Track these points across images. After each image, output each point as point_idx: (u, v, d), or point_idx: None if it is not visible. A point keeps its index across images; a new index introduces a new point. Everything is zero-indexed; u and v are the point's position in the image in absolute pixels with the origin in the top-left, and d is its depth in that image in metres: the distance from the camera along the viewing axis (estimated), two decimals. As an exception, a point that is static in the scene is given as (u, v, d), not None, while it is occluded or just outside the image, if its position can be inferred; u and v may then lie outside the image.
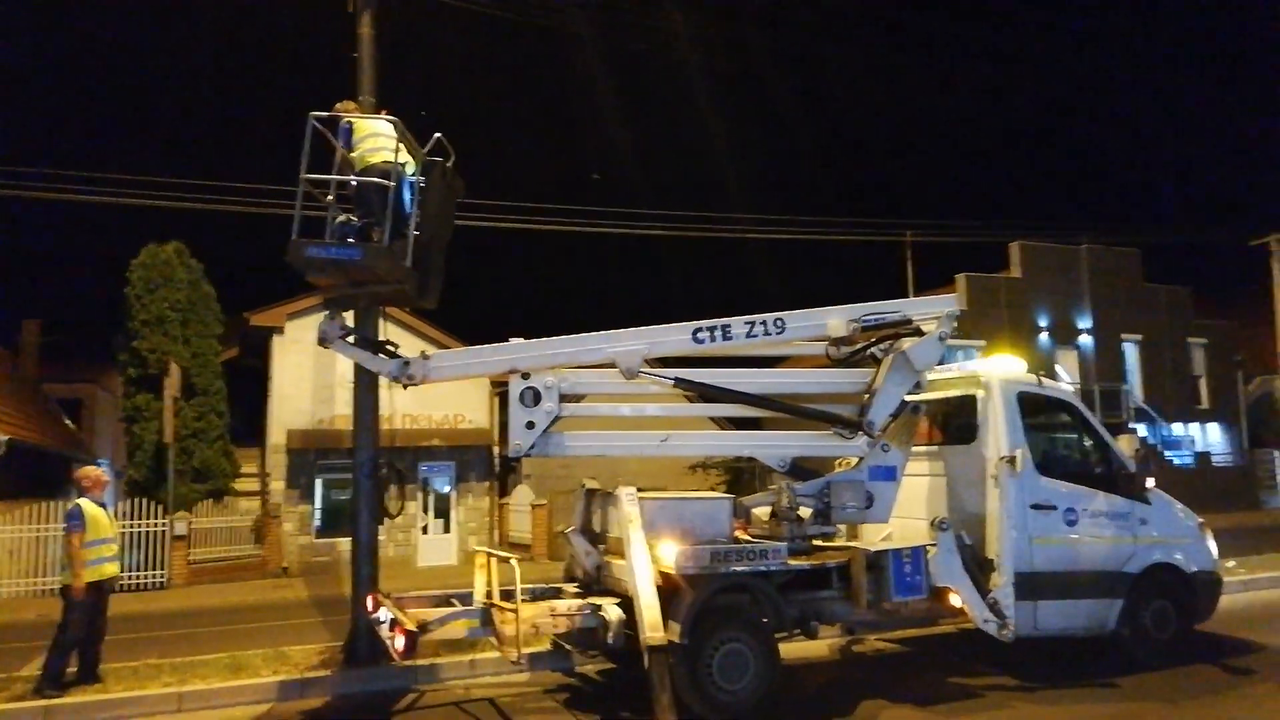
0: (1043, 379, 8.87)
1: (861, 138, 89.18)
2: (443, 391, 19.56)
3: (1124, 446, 8.85)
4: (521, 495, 22.59)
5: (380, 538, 9.76)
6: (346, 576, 16.08)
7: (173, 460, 18.26)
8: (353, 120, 8.38)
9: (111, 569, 8.82)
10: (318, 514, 21.13)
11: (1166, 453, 30.63)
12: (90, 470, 9.11)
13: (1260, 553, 14.43)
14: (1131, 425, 29.52)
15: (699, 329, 8.07)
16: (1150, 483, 8.61)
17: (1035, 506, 8.11)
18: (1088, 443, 8.90)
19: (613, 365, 7.88)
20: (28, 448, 19.39)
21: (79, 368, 29.77)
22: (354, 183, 8.17)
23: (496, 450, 22.86)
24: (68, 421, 28.10)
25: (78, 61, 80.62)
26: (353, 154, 8.20)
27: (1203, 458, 31.77)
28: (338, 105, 8.68)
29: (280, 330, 21.12)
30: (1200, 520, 9.02)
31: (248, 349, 22.63)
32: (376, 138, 8.24)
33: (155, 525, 17.48)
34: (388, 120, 8.25)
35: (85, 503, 8.67)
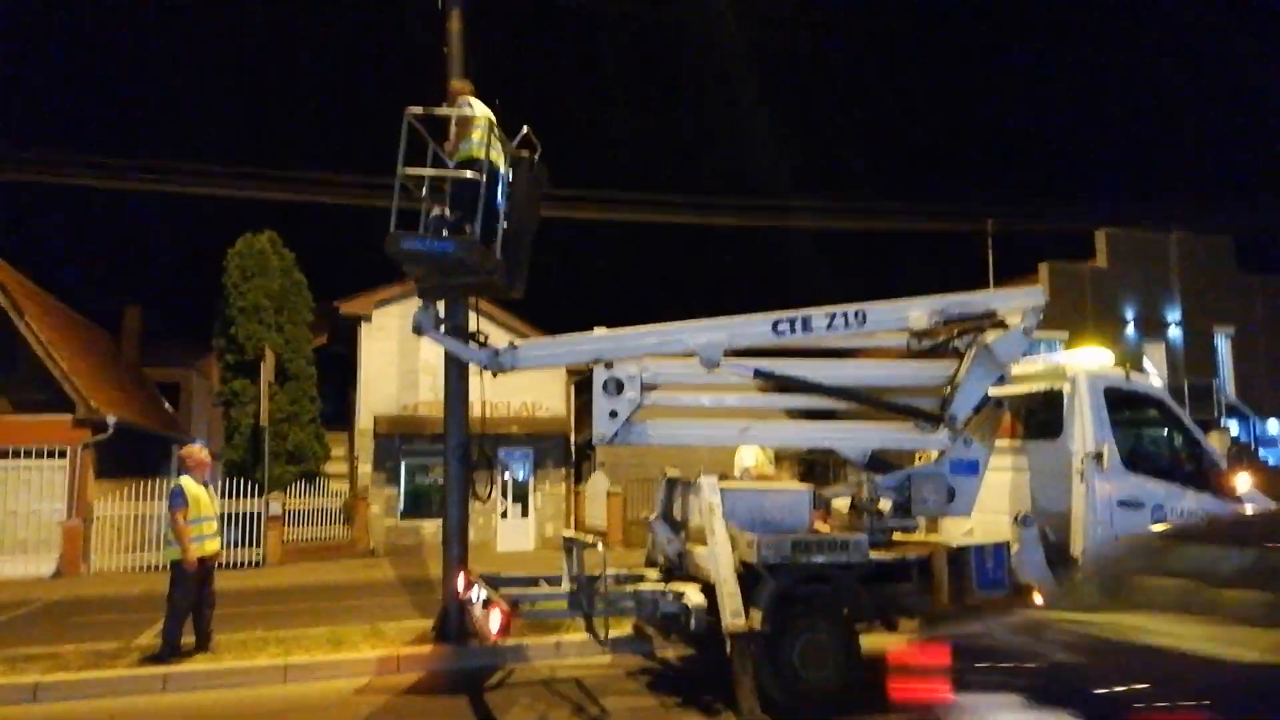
0: (1130, 373, 8.71)
1: (937, 119, 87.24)
2: (520, 380, 19.91)
3: (1215, 444, 8.65)
4: (597, 482, 22.88)
5: (464, 521, 10.02)
6: (430, 558, 16.48)
7: (268, 443, 19.04)
8: (472, 101, 8.63)
9: (211, 545, 9.04)
10: (402, 497, 21.80)
11: (1261, 451, 29.48)
12: (193, 449, 9.39)
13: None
14: (1223, 422, 28.53)
15: (779, 320, 8.08)
16: (1244, 481, 8.40)
17: (1122, 504, 7.98)
18: (1177, 439, 8.71)
19: (694, 356, 7.96)
20: (131, 429, 20.31)
21: (176, 353, 30.87)
22: (448, 177, 8.47)
23: (573, 438, 23.23)
24: (166, 405, 29.20)
25: (181, 58, 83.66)
26: (469, 138, 8.41)
27: (1300, 456, 30.49)
28: (454, 83, 8.90)
29: (368, 318, 21.81)
30: (1296, 522, 8.77)
31: (336, 336, 23.34)
32: (482, 130, 8.44)
33: (252, 505, 18.27)
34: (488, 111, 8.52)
35: (187, 481, 8.96)
